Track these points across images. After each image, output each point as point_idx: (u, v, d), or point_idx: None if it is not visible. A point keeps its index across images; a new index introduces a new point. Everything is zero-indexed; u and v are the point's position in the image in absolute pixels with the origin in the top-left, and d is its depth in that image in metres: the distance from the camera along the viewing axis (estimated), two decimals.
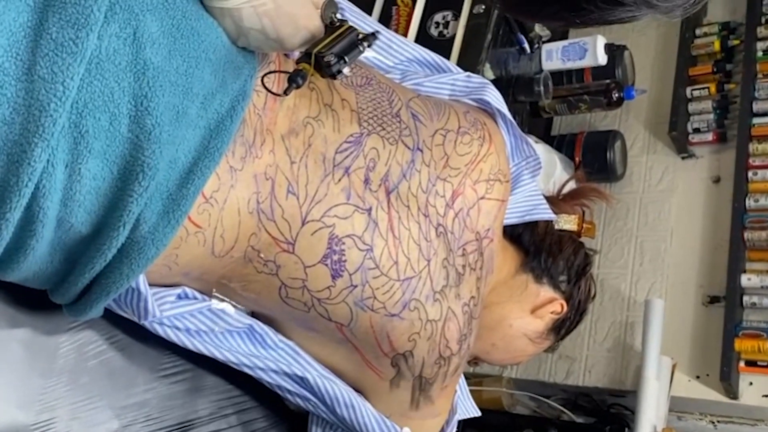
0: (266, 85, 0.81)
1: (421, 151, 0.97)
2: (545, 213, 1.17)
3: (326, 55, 0.77)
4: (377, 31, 0.84)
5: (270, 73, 0.83)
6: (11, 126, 0.63)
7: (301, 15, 0.76)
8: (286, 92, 0.78)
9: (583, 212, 1.25)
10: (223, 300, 0.91)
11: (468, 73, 1.14)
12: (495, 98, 1.10)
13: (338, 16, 0.80)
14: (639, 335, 1.91)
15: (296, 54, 0.85)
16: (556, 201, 1.24)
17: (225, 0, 0.74)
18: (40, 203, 0.66)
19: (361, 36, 0.80)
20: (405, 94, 1.01)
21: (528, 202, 1.15)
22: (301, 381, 0.97)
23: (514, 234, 1.16)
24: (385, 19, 1.77)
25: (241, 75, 0.77)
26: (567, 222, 1.19)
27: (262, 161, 0.82)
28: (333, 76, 0.78)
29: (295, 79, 0.76)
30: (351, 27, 0.80)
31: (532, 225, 1.17)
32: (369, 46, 0.81)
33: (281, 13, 0.74)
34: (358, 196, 0.90)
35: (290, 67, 0.85)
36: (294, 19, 0.76)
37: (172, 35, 0.70)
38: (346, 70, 0.79)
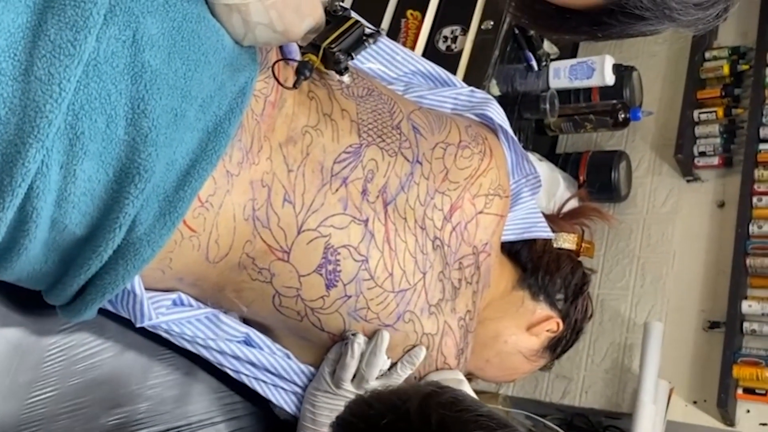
0: (275, 74, 0.81)
1: (421, 163, 0.97)
2: (543, 231, 1.16)
3: (335, 51, 0.78)
4: (380, 30, 0.85)
5: (278, 61, 0.83)
6: (6, 126, 0.63)
7: (304, 3, 0.77)
8: (295, 85, 0.78)
9: (583, 231, 1.25)
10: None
11: (471, 88, 1.13)
12: (497, 114, 1.10)
13: (341, 4, 0.82)
14: (637, 357, 1.90)
15: (296, 50, 0.86)
16: (556, 219, 1.23)
17: None
18: (33, 203, 0.66)
19: (366, 32, 0.82)
20: (406, 106, 1.01)
21: (527, 220, 1.15)
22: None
23: (512, 250, 1.16)
24: (393, 32, 1.77)
25: (241, 78, 0.77)
26: (566, 241, 1.18)
27: (258, 168, 0.82)
28: (340, 72, 0.79)
29: (302, 71, 0.77)
30: (357, 22, 0.81)
31: (530, 242, 1.16)
32: (374, 42, 0.82)
33: (287, 4, 0.74)
34: (355, 206, 0.90)
35: (289, 73, 0.85)
36: (298, 8, 0.76)
37: (172, 38, 0.70)
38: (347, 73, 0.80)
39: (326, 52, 0.78)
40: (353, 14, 0.83)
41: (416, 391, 0.66)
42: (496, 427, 0.62)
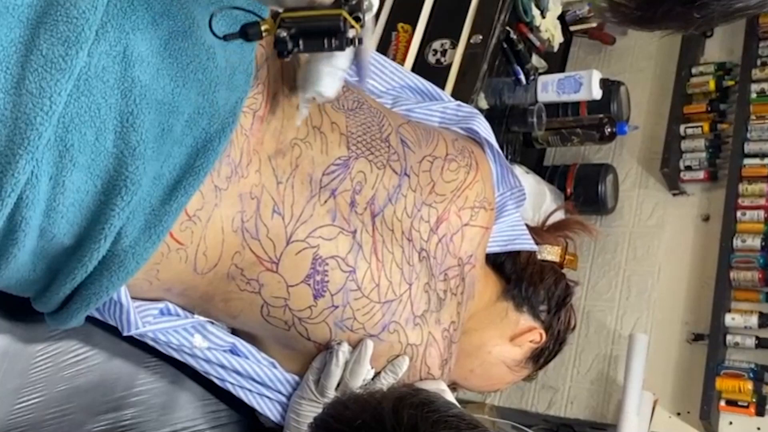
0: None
1: (409, 176, 0.99)
2: (527, 244, 1.18)
3: (283, 28, 0.66)
4: (357, 39, 0.71)
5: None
6: None
7: None
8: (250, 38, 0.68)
9: (567, 244, 1.26)
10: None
11: (458, 102, 1.15)
12: (483, 128, 1.11)
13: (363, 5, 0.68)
14: (622, 369, 1.91)
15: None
16: (540, 232, 1.25)
17: None
18: (22, 213, 0.67)
19: (347, 35, 0.67)
20: (395, 119, 1.03)
21: (511, 232, 1.16)
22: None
23: (496, 262, 1.17)
24: (384, 45, 1.79)
25: (232, 97, 0.78)
26: (550, 253, 1.20)
27: (247, 181, 0.83)
28: (280, 54, 0.67)
29: (243, 31, 0.66)
30: (341, 18, 0.66)
31: (514, 254, 1.18)
32: (337, 48, 0.68)
33: None
34: (343, 218, 0.92)
35: (279, 92, 0.86)
36: None
37: (160, 54, 0.72)
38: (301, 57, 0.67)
39: (280, 23, 0.65)
40: (368, 19, 0.69)
41: (391, 393, 0.67)
42: (465, 428, 0.63)
